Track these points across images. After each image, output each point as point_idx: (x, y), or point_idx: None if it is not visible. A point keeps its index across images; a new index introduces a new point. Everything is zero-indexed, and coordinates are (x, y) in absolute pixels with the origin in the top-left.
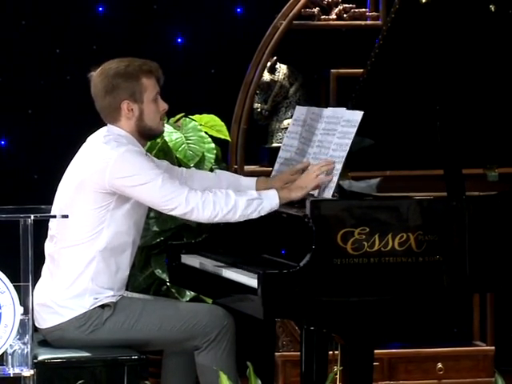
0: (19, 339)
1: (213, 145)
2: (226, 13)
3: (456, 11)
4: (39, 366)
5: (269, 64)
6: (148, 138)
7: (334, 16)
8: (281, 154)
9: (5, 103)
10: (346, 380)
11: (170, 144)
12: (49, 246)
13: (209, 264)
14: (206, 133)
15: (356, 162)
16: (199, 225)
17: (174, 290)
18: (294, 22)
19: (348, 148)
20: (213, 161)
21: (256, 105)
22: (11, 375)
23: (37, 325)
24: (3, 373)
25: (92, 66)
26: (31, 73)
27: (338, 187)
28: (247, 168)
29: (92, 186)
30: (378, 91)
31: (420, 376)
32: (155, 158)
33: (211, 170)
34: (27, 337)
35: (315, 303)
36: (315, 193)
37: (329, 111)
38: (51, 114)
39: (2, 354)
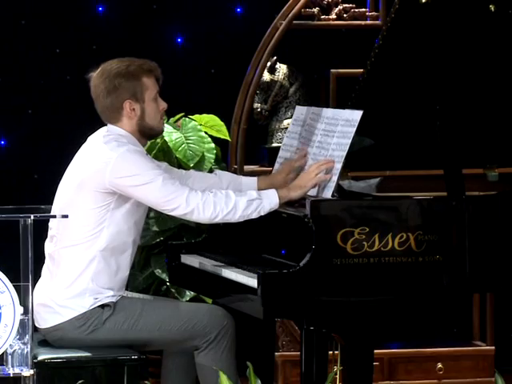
0: (19, 339)
1: (212, 145)
2: (225, 13)
3: (456, 11)
4: (39, 366)
5: (269, 64)
6: (149, 137)
7: (333, 16)
8: (281, 153)
9: (5, 103)
10: (345, 380)
11: (170, 144)
12: (49, 246)
13: (208, 264)
14: (205, 133)
15: (356, 161)
16: (199, 225)
17: (173, 290)
18: (294, 21)
19: (347, 148)
20: (213, 161)
21: (256, 105)
22: (11, 375)
23: (37, 325)
24: (3, 373)
25: (92, 66)
26: (31, 72)
27: (338, 187)
28: (247, 168)
29: (92, 186)
30: (377, 91)
31: (420, 376)
32: (154, 160)
33: (211, 170)
34: (27, 337)
35: (315, 303)
36: (314, 192)
37: (329, 112)
38: (51, 114)
39: (2, 353)
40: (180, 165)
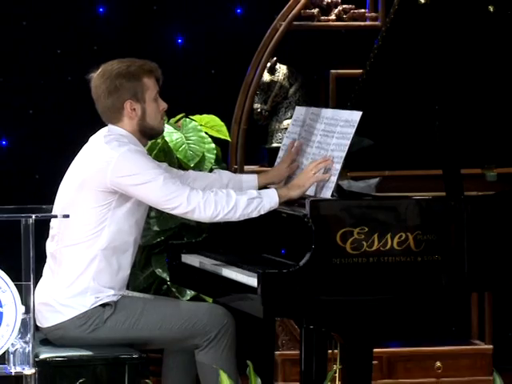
0: (21, 338)
1: (213, 145)
2: (225, 14)
3: (454, 12)
4: (41, 365)
5: (269, 64)
6: (149, 137)
7: (333, 17)
8: (280, 153)
9: (6, 103)
10: (345, 378)
11: (171, 144)
12: (50, 245)
13: (209, 263)
14: (206, 133)
15: (355, 162)
16: (199, 224)
17: (174, 290)
18: (294, 22)
19: (347, 148)
20: (213, 161)
21: (256, 105)
22: (13, 374)
23: (38, 324)
24: (5, 371)
25: (92, 67)
26: (32, 73)
27: (337, 187)
28: (247, 168)
29: (94, 185)
30: (377, 91)
31: (419, 374)
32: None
33: (211, 170)
34: (29, 336)
35: (315, 302)
36: (313, 192)
37: (328, 112)
38: (52, 114)
39: (4, 352)
40: (180, 165)
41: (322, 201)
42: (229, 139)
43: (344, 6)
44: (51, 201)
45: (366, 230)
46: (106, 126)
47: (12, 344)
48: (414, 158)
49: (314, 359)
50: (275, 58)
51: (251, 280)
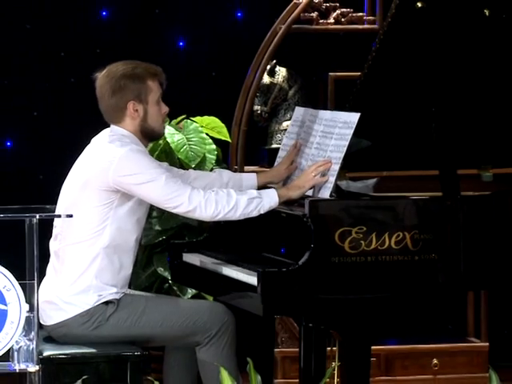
0: (25, 336)
1: (214, 146)
2: (226, 17)
3: (451, 15)
4: (44, 362)
5: (268, 67)
6: (149, 138)
7: (332, 20)
8: (280, 154)
9: (11, 105)
10: (343, 375)
11: (172, 145)
12: (53, 244)
13: (209, 262)
14: (206, 134)
15: (353, 162)
16: (200, 224)
17: (175, 288)
18: (293, 26)
19: (345, 149)
20: (214, 161)
21: (256, 107)
22: (17, 371)
23: (42, 322)
24: (9, 368)
25: (96, 69)
26: (36, 75)
27: (336, 187)
28: (247, 168)
29: (97, 184)
30: (374, 93)
31: (416, 371)
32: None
33: (211, 170)
34: (33, 333)
35: (314, 301)
36: (312, 193)
37: (327, 114)
38: (56, 116)
39: (8, 350)
40: (182, 165)
41: (321, 201)
42: (229, 140)
43: (342, 9)
44: (55, 201)
45: (364, 229)
46: (109, 127)
47: (16, 341)
48: (411, 158)
49: (313, 356)
50: (275, 61)
51: (251, 279)
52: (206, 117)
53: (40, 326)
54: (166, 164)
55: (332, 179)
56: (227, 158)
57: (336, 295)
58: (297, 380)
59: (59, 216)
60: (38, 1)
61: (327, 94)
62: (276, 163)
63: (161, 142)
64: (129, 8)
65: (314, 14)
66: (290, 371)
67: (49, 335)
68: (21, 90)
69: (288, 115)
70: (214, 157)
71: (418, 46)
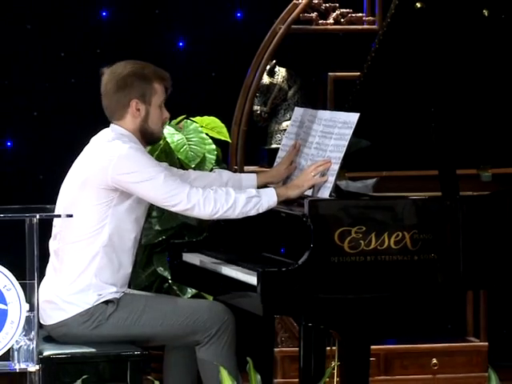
0: (25, 335)
1: (213, 146)
2: (226, 17)
3: (450, 16)
4: (44, 362)
5: (268, 67)
6: (147, 140)
7: (331, 21)
8: (280, 154)
9: (11, 105)
10: (343, 375)
11: (172, 145)
12: (53, 244)
13: (209, 262)
14: (206, 134)
15: (353, 162)
16: (200, 224)
17: (175, 288)
18: (293, 26)
19: (345, 149)
20: (213, 161)
21: (255, 107)
22: (17, 370)
23: (42, 321)
24: (9, 368)
25: (96, 69)
26: (37, 76)
27: (336, 187)
28: (247, 168)
29: (96, 183)
30: (374, 94)
31: (415, 371)
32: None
33: (211, 170)
34: (33, 333)
35: (313, 300)
36: (311, 193)
37: (326, 114)
38: (56, 116)
39: (9, 349)
40: (182, 165)
41: (321, 201)
42: (229, 140)
43: (342, 10)
44: (55, 201)
45: (364, 229)
46: (108, 127)
47: (16, 341)
48: (411, 158)
49: (312, 356)
50: (274, 61)
51: (251, 278)
52: (205, 117)
53: (40, 325)
54: (165, 164)
55: (331, 179)
56: (227, 158)
57: (335, 295)
58: (296, 379)
59: (59, 216)
60: (38, 1)
61: (327, 94)
62: (275, 163)
63: (161, 142)
64: (129, 8)
65: (314, 15)
66: (289, 371)
67: (49, 335)
68: (21, 89)
69: (288, 115)
70: (214, 157)
71: (417, 47)
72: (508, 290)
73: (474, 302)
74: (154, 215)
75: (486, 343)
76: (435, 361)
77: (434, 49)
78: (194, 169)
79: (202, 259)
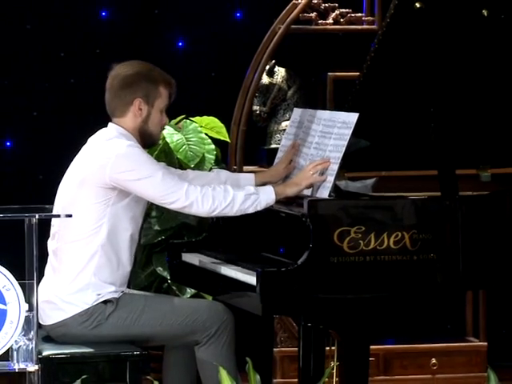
0: (24, 335)
1: (213, 146)
2: (225, 17)
3: (449, 16)
4: (44, 362)
5: (267, 67)
6: (145, 142)
7: (330, 21)
8: (279, 154)
9: (10, 105)
10: (342, 375)
11: (171, 145)
12: (51, 243)
13: (208, 262)
14: (206, 134)
15: (352, 162)
16: (200, 224)
17: (174, 288)
18: (292, 26)
19: (344, 149)
20: (213, 161)
21: (255, 107)
22: (16, 370)
23: (41, 322)
24: (9, 368)
25: (95, 69)
26: (36, 75)
27: (335, 187)
28: (246, 168)
29: (94, 182)
30: (373, 94)
31: (415, 371)
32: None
33: (210, 170)
34: (32, 333)
35: (312, 300)
36: (311, 193)
37: (325, 114)
38: (56, 116)
39: (8, 349)
40: (181, 165)
41: (320, 200)
42: (228, 140)
43: (341, 10)
44: (54, 201)
45: (363, 229)
46: (106, 127)
47: (16, 341)
48: (410, 158)
49: (311, 356)
50: (274, 61)
51: (250, 278)
52: (205, 117)
53: (39, 325)
54: (163, 164)
55: (331, 179)
56: (226, 158)
57: (335, 295)
58: (296, 379)
59: (58, 216)
60: (38, 1)
61: (326, 94)
62: (275, 164)
63: (160, 142)
64: (128, 8)
65: (313, 15)
66: (288, 371)
67: (48, 335)
68: (21, 90)
69: (287, 115)
70: (213, 157)
71: (416, 47)
72: (507, 290)
73: (474, 302)
74: (154, 215)
75: (486, 343)
76: (434, 361)
77: (433, 49)
78: (194, 169)
79: (202, 259)
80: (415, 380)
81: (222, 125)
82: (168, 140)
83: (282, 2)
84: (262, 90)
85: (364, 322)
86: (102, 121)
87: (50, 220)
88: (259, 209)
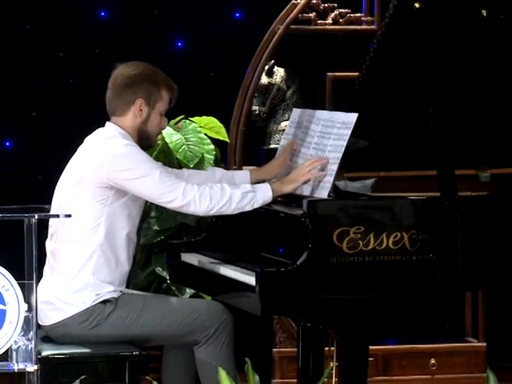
0: (23, 335)
1: (212, 146)
2: (225, 17)
3: (449, 16)
4: (43, 362)
5: (267, 67)
6: (142, 143)
7: (330, 21)
8: (278, 154)
9: (10, 105)
10: (341, 375)
11: (171, 145)
12: (49, 244)
13: (207, 262)
14: (205, 134)
15: (351, 162)
16: (199, 224)
17: (174, 288)
18: (292, 26)
19: (343, 149)
20: (212, 162)
21: (254, 107)
22: (16, 370)
23: (40, 322)
24: (8, 368)
25: (94, 69)
26: (35, 76)
27: (334, 187)
28: (245, 168)
29: (92, 181)
30: (372, 94)
31: (414, 371)
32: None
33: None
34: (31, 333)
35: (312, 300)
36: (309, 193)
37: (325, 114)
38: (55, 116)
39: (7, 349)
40: (180, 166)
41: (319, 201)
42: (228, 140)
43: (340, 10)
44: None
45: (362, 229)
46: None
47: (15, 341)
48: (409, 159)
49: (310, 356)
50: (273, 61)
51: (249, 278)
52: (204, 117)
53: (38, 325)
54: (160, 163)
55: (330, 179)
56: (225, 158)
57: (334, 295)
58: (295, 380)
59: (58, 216)
60: (38, 1)
61: (325, 94)
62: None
63: (159, 142)
64: (128, 8)
65: (312, 15)
66: (287, 371)
67: (47, 335)
68: (20, 90)
69: (286, 115)
70: (213, 157)
71: (415, 47)
72: (506, 290)
73: (473, 303)
74: (153, 215)
75: (485, 344)
76: (433, 361)
77: (432, 49)
78: (193, 169)
79: (201, 259)
80: (414, 380)
81: (222, 125)
82: (167, 140)
83: (281, 2)
84: (261, 90)
85: (363, 322)
86: (102, 121)
87: (49, 220)
88: (256, 206)
